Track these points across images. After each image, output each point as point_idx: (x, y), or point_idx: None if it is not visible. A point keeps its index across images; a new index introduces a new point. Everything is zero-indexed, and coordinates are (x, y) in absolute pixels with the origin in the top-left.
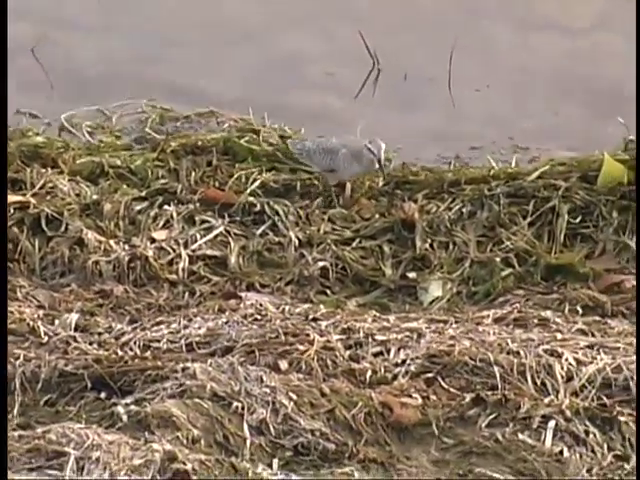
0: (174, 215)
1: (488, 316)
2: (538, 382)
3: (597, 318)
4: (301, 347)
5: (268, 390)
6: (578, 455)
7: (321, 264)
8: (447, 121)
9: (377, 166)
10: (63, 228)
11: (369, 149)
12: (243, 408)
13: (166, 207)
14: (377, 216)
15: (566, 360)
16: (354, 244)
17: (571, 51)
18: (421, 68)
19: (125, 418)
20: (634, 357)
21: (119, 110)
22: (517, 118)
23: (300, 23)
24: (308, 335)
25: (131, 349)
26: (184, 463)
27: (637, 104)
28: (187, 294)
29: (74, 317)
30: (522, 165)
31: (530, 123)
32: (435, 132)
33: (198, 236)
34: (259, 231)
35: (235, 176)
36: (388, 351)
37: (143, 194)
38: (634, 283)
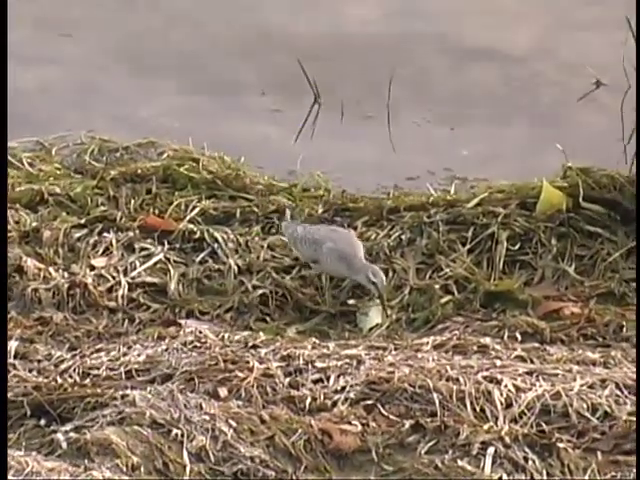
0: (113, 242)
1: (427, 343)
2: (477, 409)
3: (536, 345)
4: (240, 374)
5: (207, 417)
6: None
7: (260, 291)
8: (386, 153)
9: (377, 300)
10: None
11: (372, 282)
12: (183, 435)
13: (105, 234)
14: None
15: (505, 387)
16: (294, 273)
17: (507, 79)
18: (359, 100)
19: (65, 445)
20: (573, 384)
21: (58, 142)
22: (455, 148)
23: (237, 52)
24: (248, 362)
25: (70, 376)
26: None
27: (637, 118)
28: (126, 321)
29: (13, 344)
30: (461, 193)
31: (468, 152)
32: (374, 165)
33: (137, 263)
34: (198, 258)
35: (175, 204)
36: (328, 378)
37: (82, 221)
38: (573, 310)
